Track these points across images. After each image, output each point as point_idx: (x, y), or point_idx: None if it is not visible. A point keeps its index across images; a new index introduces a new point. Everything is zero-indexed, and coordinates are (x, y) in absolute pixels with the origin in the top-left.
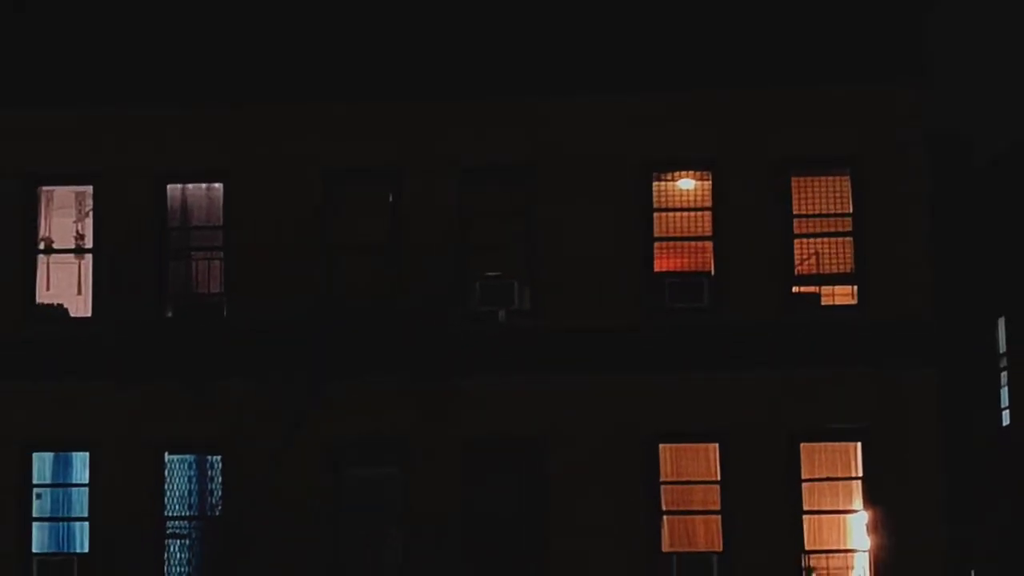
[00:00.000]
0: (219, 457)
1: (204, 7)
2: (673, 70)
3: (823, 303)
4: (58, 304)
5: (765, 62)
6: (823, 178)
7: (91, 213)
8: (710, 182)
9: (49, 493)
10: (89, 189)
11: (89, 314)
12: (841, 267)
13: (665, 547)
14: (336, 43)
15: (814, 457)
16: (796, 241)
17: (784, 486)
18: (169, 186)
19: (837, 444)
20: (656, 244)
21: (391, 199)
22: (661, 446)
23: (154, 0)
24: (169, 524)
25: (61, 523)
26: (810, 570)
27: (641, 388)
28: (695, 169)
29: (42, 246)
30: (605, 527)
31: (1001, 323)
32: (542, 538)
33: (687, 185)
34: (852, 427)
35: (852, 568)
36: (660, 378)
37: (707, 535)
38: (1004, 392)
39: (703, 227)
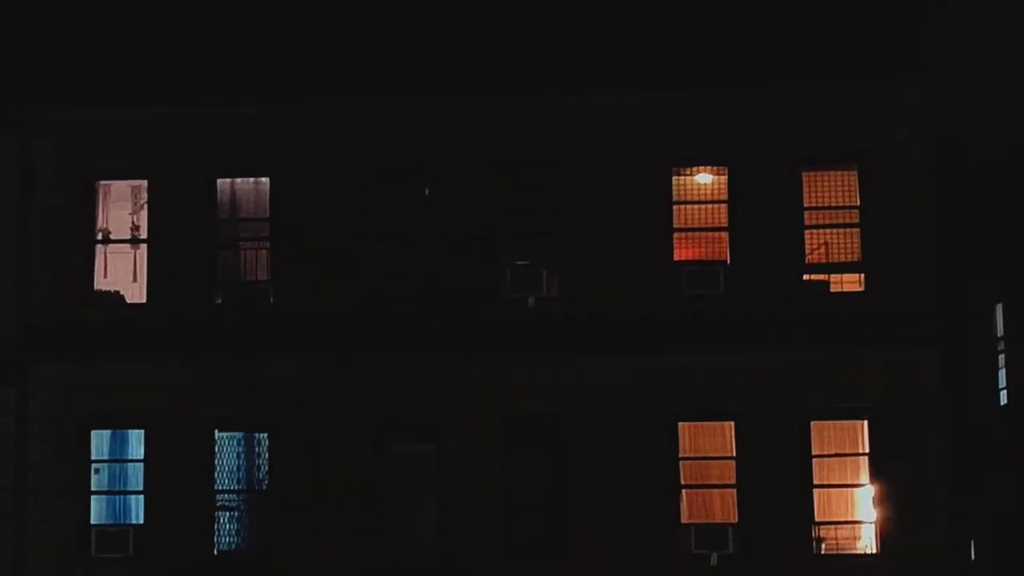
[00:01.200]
0: (266, 434)
1: (251, 13)
2: (691, 72)
3: (832, 290)
4: (115, 291)
5: (777, 64)
6: (832, 173)
7: (146, 206)
8: (726, 177)
9: (106, 468)
10: (144, 183)
11: (144, 300)
12: (849, 256)
13: (684, 518)
14: (375, 47)
15: (823, 434)
16: (806, 232)
17: (795, 461)
18: (219, 180)
19: (845, 422)
20: (675, 234)
21: (426, 193)
22: (680, 424)
23: (204, 6)
24: (219, 497)
25: (118, 496)
26: (820, 540)
27: (661, 369)
28: (712, 165)
29: (100, 237)
30: (628, 499)
31: (999, 309)
32: (570, 508)
33: (704, 179)
34: (859, 406)
35: (859, 538)
36: (679, 360)
37: (723, 507)
38: (1002, 374)
39: (719, 219)
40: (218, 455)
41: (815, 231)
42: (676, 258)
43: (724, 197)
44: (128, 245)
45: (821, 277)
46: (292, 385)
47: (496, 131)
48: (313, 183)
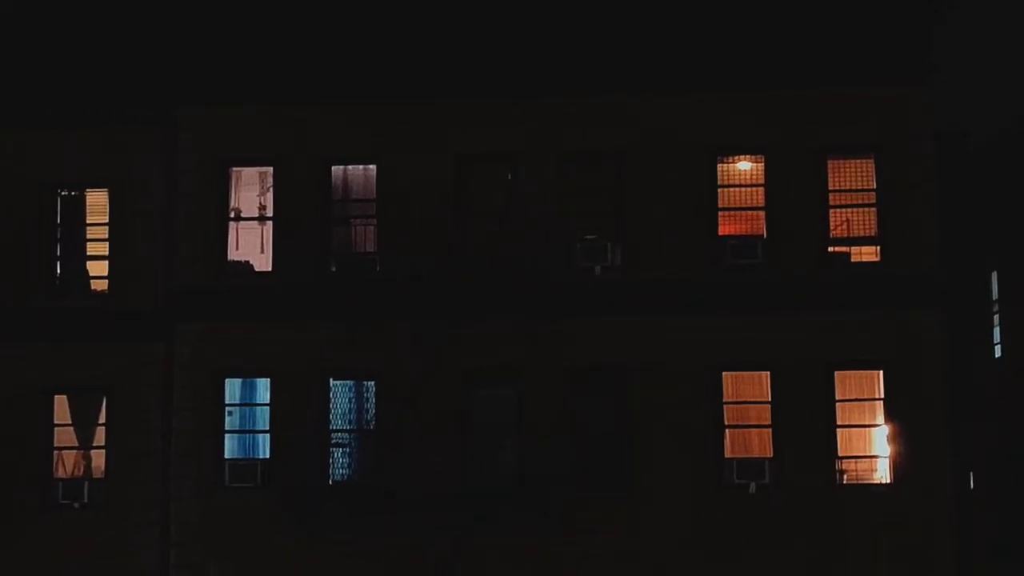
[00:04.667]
0: (373, 382)
1: (363, 21)
2: (735, 76)
3: (852, 260)
4: (245, 261)
5: (807, 70)
6: (852, 161)
7: (271, 188)
8: (763, 164)
9: (238, 411)
10: (270, 170)
11: (269, 269)
12: (866, 231)
13: (727, 453)
14: (469, 53)
15: (845, 382)
16: (831, 211)
17: (821, 405)
18: (333, 167)
19: (864, 372)
20: (720, 213)
21: (509, 177)
22: (724, 373)
23: (324, 15)
24: (333, 436)
25: (247, 435)
26: (842, 472)
27: (708, 327)
28: (751, 154)
29: (232, 215)
30: (680, 438)
31: (994, 276)
32: (629, 445)
33: (745, 166)
34: (876, 358)
35: (875, 471)
36: (723, 319)
37: (760, 444)
38: (996, 331)
39: (757, 200)
40: (332, 400)
41: (838, 210)
42: (720, 233)
43: (761, 181)
44: (256, 222)
45: (843, 249)
46: (395, 341)
47: (569, 125)
48: (413, 169)
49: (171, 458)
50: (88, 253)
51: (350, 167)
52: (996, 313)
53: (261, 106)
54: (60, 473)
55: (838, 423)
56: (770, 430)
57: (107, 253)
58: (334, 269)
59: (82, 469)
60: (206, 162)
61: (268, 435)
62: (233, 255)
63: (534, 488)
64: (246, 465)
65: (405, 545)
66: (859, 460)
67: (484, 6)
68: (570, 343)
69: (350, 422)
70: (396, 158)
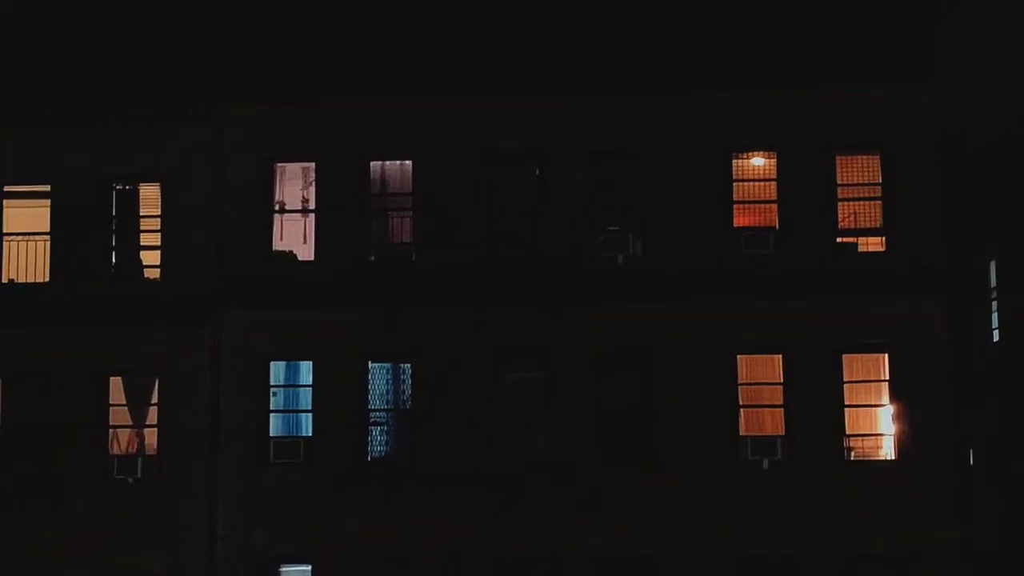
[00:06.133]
0: (408, 365)
1: (396, 25)
2: (749, 76)
3: (859, 250)
4: (289, 251)
5: (817, 71)
6: (859, 157)
7: (313, 183)
8: (775, 160)
9: (283, 392)
10: (312, 165)
11: (312, 258)
12: (873, 223)
13: (742, 431)
14: (495, 55)
15: (853, 365)
16: (839, 204)
17: (830, 386)
18: (371, 163)
19: (870, 355)
20: (734, 206)
21: (536, 172)
22: (738, 356)
23: (361, 19)
24: (371, 415)
25: (291, 414)
26: (850, 449)
27: (724, 313)
28: (764, 150)
29: (277, 207)
30: (698, 416)
31: (992, 265)
32: (651, 425)
33: (758, 162)
34: (881, 343)
35: (881, 447)
36: (738, 306)
37: (773, 423)
38: (994, 317)
39: (770, 193)
40: (371, 381)
41: (845, 203)
42: (735, 225)
43: (773, 176)
44: (299, 214)
45: (850, 240)
46: (429, 326)
47: (592, 123)
48: (446, 165)
49: (219, 437)
50: (141, 244)
51: (387, 163)
52: (994, 300)
53: (304, 106)
54: (115, 450)
55: (845, 403)
56: (782, 410)
57: (159, 244)
58: (372, 258)
59: (136, 446)
60: (252, 158)
61: (310, 415)
62: (277, 245)
63: (560, 465)
64: (289, 443)
65: (438, 518)
66: (865, 438)
67: (514, 13)
68: (594, 328)
69: (387, 402)
70: (430, 154)
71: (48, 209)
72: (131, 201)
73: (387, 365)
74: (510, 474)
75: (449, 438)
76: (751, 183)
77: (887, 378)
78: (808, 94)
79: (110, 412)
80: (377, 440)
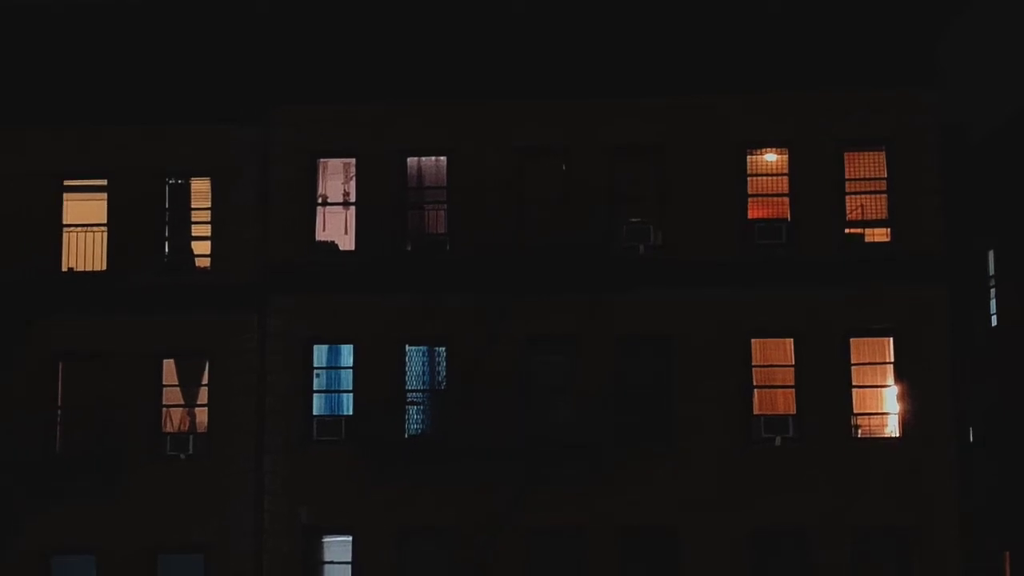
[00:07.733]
0: (443, 348)
1: (433, 31)
2: (762, 76)
3: (867, 240)
4: (331, 241)
5: (827, 71)
6: (866, 153)
7: (354, 177)
8: (787, 156)
9: (325, 373)
10: (353, 161)
11: (352, 248)
12: (879, 215)
13: (756, 411)
14: (526, 57)
15: (860, 348)
16: (848, 197)
17: (839, 368)
18: (408, 158)
19: (876, 339)
20: (749, 199)
21: (563, 168)
22: (753, 340)
23: (396, 26)
24: (408, 395)
25: (333, 394)
26: (857, 427)
27: (739, 300)
28: (777, 146)
29: (320, 200)
30: (715, 396)
31: (991, 255)
32: (671, 405)
33: (771, 158)
34: (887, 327)
35: (887, 426)
36: (752, 292)
37: (785, 402)
38: (993, 303)
39: (782, 187)
40: (408, 363)
41: (853, 196)
42: (749, 217)
43: (786, 171)
44: (341, 207)
45: (858, 231)
46: (463, 312)
47: (615, 121)
48: (480, 160)
49: (265, 415)
50: (193, 235)
51: (424, 158)
52: (992, 287)
53: (346, 105)
54: (168, 428)
55: (853, 384)
56: (794, 390)
57: (209, 234)
58: (409, 248)
59: (187, 425)
60: (297, 154)
61: (351, 395)
62: (320, 236)
63: (586, 443)
64: (332, 421)
65: (471, 492)
66: (872, 416)
67: (544, 20)
68: (618, 314)
69: (423, 383)
70: (465, 150)
71: (106, 202)
72: (184, 194)
73: (423, 348)
74: (538, 452)
75: (481, 417)
76: (764, 177)
77: (892, 361)
78: (818, 94)
79: (163, 392)
80: (413, 419)
